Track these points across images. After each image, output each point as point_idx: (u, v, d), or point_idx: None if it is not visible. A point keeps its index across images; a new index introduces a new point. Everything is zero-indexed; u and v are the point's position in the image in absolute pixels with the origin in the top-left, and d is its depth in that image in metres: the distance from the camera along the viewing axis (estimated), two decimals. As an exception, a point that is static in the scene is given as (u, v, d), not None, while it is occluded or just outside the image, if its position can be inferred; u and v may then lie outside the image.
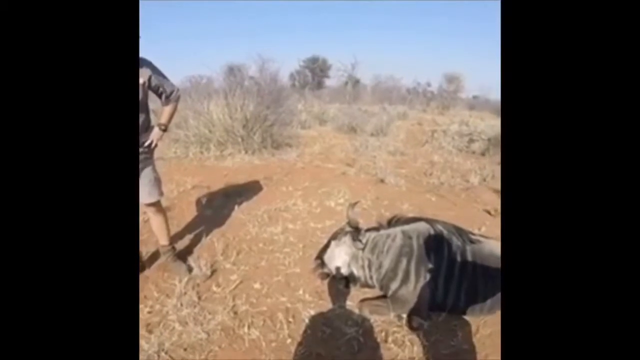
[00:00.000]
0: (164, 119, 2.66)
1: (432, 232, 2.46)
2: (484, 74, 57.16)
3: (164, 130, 2.67)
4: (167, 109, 2.68)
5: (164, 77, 2.60)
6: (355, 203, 2.67)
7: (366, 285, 2.61)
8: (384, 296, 2.50)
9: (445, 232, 2.46)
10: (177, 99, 2.71)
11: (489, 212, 4.44)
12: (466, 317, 2.43)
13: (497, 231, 3.88)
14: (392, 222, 2.59)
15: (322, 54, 33.74)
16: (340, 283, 2.69)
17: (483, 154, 8.06)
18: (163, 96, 2.62)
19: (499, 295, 2.33)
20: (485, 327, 2.42)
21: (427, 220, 2.55)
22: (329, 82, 32.86)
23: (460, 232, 2.50)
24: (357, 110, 12.59)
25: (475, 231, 3.83)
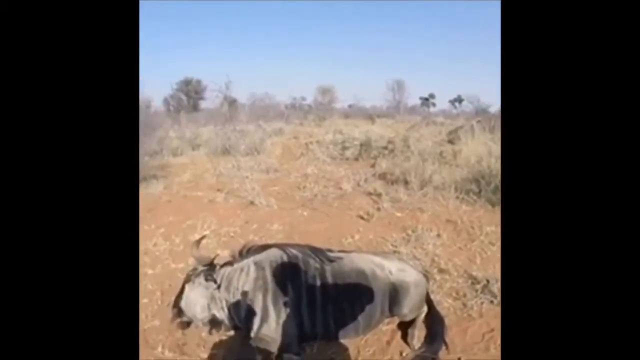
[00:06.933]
0: None
1: (285, 258, 2.31)
2: (357, 83, 60.33)
3: None
4: None
5: None
6: (201, 239, 2.44)
7: (232, 327, 2.39)
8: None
9: (300, 256, 2.32)
10: None
11: (362, 218, 4.46)
12: (343, 342, 2.31)
13: (371, 236, 3.91)
14: (244, 253, 2.38)
15: (195, 75, 32.91)
16: (204, 330, 2.43)
17: (356, 159, 8.22)
18: None
19: (369, 311, 2.26)
20: (367, 346, 2.35)
21: (279, 246, 2.40)
22: (205, 104, 31.99)
23: (317, 252, 2.38)
24: (231, 130, 12.27)
25: (349, 239, 3.85)
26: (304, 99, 35.79)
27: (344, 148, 9.03)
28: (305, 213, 4.66)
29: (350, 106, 36.52)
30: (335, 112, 28.56)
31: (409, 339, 2.38)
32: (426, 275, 2.59)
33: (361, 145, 8.80)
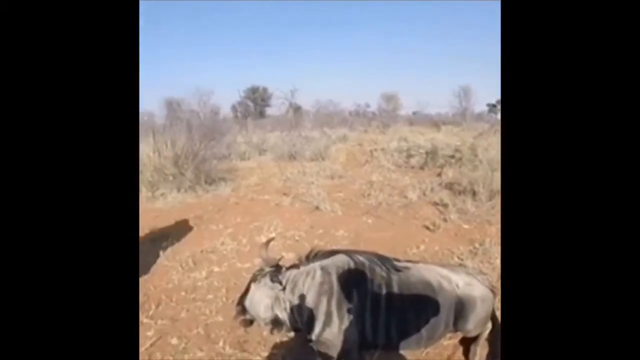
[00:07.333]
0: None
1: (352, 265, 2.29)
2: (421, 90, 59.25)
3: None
4: None
5: None
6: (270, 241, 2.48)
7: (295, 328, 2.41)
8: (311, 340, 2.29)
9: (367, 263, 2.29)
10: None
11: (427, 228, 4.35)
12: (403, 352, 2.26)
13: (437, 247, 3.81)
14: (311, 257, 2.40)
15: (262, 82, 34.11)
16: (265, 329, 2.47)
17: (422, 168, 8.03)
18: None
19: (433, 323, 2.19)
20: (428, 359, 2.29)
21: (346, 252, 2.38)
22: (271, 111, 32.97)
23: (384, 261, 2.34)
24: (297, 137, 12.52)
25: (414, 250, 3.77)
26: (368, 105, 35.82)
27: (409, 156, 8.89)
28: (369, 221, 4.63)
29: (414, 113, 35.96)
30: (400, 119, 28.32)
31: (470, 356, 2.30)
32: (493, 291, 2.47)
33: (427, 153, 8.60)
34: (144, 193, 6.35)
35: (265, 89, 33.80)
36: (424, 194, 5.69)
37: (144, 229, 4.68)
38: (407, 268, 2.33)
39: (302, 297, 2.27)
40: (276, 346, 2.43)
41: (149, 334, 2.58)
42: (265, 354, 2.39)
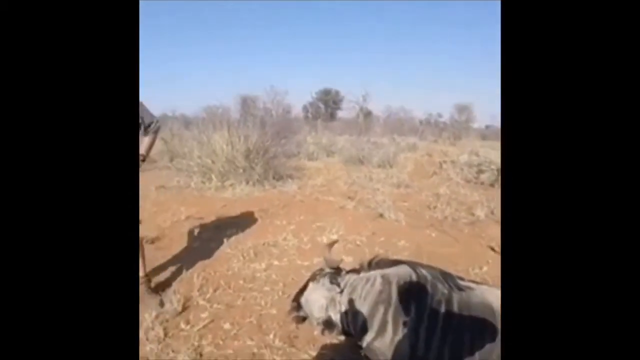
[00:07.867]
0: (143, 150, 2.67)
1: (414, 277, 2.21)
2: (495, 103, 56.97)
3: (143, 161, 2.67)
4: (146, 140, 2.71)
5: (144, 107, 2.60)
6: (334, 242, 2.46)
7: (345, 332, 2.38)
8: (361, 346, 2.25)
9: (429, 278, 2.20)
10: (157, 131, 2.73)
11: (493, 249, 4.13)
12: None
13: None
14: (373, 264, 2.35)
15: (334, 85, 34.45)
16: (317, 329, 2.46)
17: (492, 185, 7.67)
18: (142, 127, 2.61)
19: (489, 349, 2.07)
20: (476, 382, 2.17)
21: (409, 264, 2.30)
22: (341, 114, 33.22)
23: (447, 277, 2.23)
24: (366, 141, 12.50)
25: (476, 270, 3.60)
26: (440, 115, 35.03)
27: (480, 171, 8.52)
28: (433, 234, 4.49)
29: (487, 127, 34.64)
30: (472, 132, 27.41)
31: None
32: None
33: (498, 170, 8.21)
34: (214, 182, 6.62)
35: (337, 92, 34.13)
36: (492, 213, 5.42)
37: (210, 216, 4.89)
38: (470, 288, 2.21)
39: (358, 303, 2.23)
40: (325, 347, 2.42)
41: (203, 315, 2.66)
42: (314, 353, 2.39)
